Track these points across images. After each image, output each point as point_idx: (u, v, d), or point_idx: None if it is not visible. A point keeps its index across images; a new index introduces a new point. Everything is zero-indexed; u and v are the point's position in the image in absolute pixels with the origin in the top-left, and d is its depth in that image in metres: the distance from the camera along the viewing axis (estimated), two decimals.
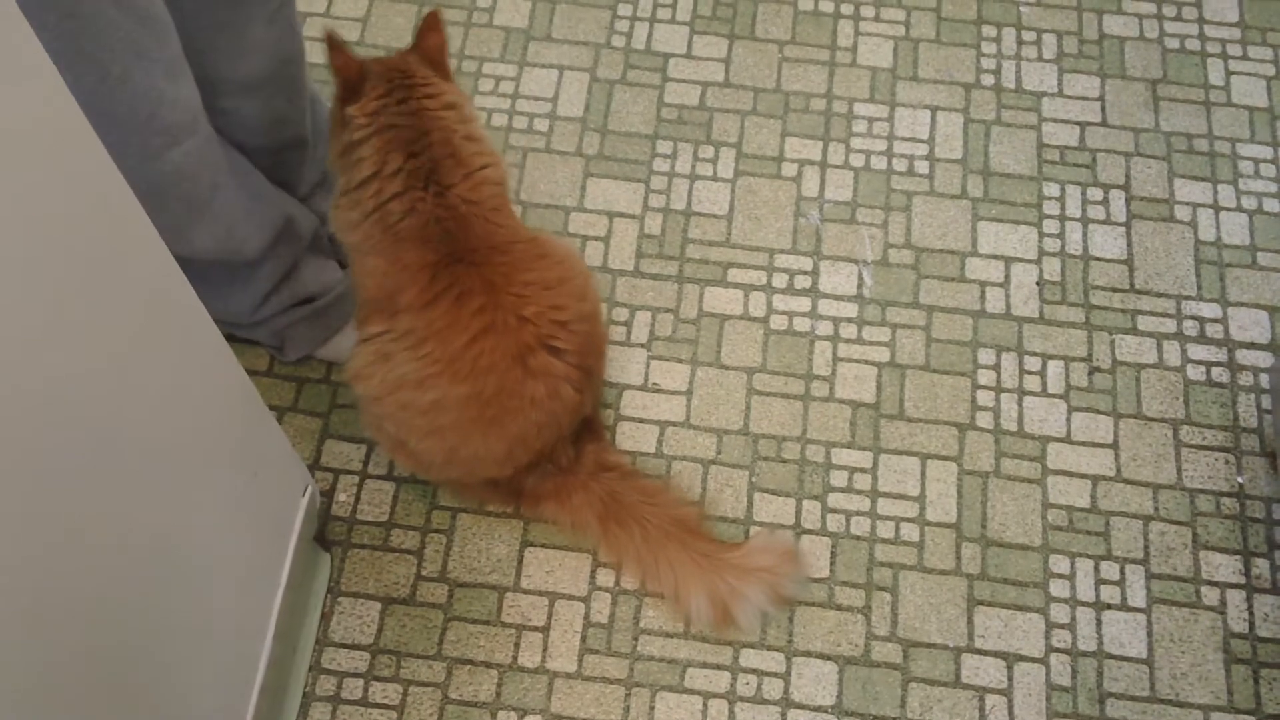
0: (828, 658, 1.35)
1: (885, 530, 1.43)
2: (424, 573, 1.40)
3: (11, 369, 0.70)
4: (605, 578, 1.40)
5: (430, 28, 1.26)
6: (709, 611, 1.31)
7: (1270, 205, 1.64)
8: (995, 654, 1.36)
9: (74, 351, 0.77)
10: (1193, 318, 1.56)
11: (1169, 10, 1.80)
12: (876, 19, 1.80)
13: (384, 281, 1.23)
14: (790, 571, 1.34)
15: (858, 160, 1.68)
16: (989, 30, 1.79)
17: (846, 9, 1.81)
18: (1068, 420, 1.50)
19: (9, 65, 0.66)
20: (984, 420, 1.50)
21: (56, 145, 0.73)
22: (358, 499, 1.45)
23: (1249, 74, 1.75)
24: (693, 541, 1.32)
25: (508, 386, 1.22)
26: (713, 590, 1.30)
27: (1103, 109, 1.72)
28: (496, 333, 1.20)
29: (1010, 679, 1.35)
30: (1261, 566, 1.40)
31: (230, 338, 1.08)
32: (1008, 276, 1.59)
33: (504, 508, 1.43)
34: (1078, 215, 1.64)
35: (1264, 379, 1.52)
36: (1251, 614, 1.38)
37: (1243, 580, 1.40)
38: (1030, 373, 1.53)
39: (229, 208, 1.25)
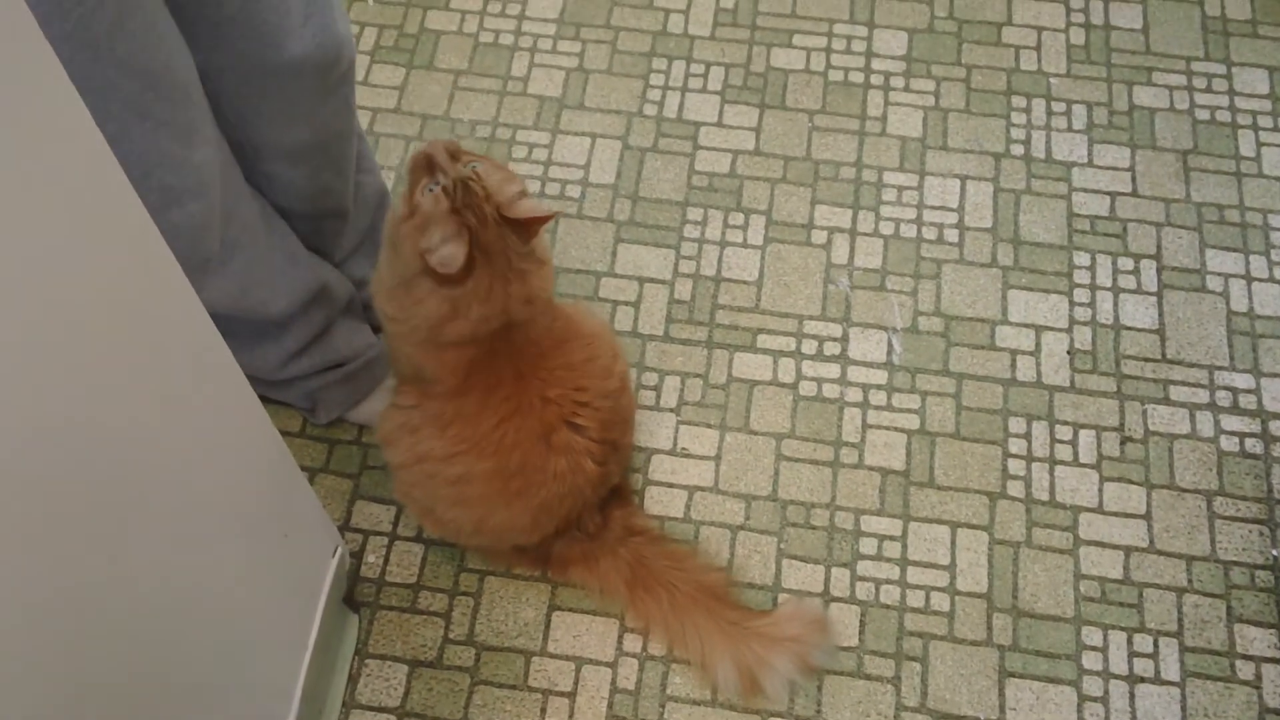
0: None
1: (915, 599, 1.41)
2: (451, 635, 1.40)
3: (45, 424, 0.71)
4: (632, 643, 1.39)
5: (536, 219, 1.15)
6: (736, 680, 1.30)
7: None
8: None
9: (109, 408, 0.78)
10: (1226, 388, 1.55)
11: (1199, 82, 1.81)
12: (906, 89, 1.82)
13: (420, 370, 1.25)
14: (818, 640, 1.33)
15: (887, 228, 1.69)
16: (1019, 101, 1.81)
17: (876, 79, 1.83)
18: (1100, 490, 1.48)
19: (52, 123, 0.68)
20: (1015, 489, 1.49)
21: (92, 199, 0.74)
22: (386, 560, 1.45)
23: None
24: (720, 609, 1.32)
25: (531, 461, 1.24)
26: (740, 658, 1.29)
27: (1133, 179, 1.73)
28: (521, 414, 1.22)
29: None
30: None
31: (264, 399, 1.10)
32: (1038, 345, 1.59)
33: (532, 572, 1.43)
34: (1109, 284, 1.64)
35: None
36: None
37: (1278, 655, 1.37)
38: (1061, 442, 1.52)
39: (249, 268, 1.25)
